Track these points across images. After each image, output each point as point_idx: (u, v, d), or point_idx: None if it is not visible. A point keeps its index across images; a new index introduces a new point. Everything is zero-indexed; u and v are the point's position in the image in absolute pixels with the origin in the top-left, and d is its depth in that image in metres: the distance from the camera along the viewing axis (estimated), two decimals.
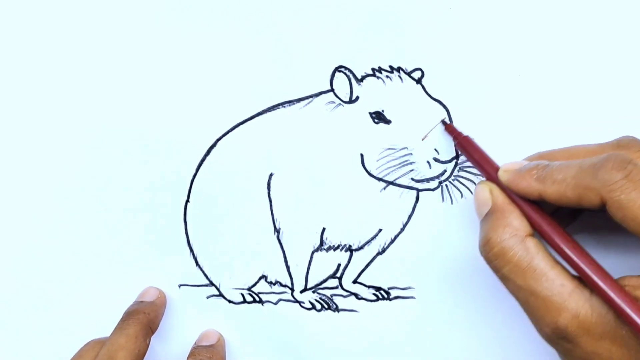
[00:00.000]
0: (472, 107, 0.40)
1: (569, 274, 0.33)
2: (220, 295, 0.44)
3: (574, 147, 0.37)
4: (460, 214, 0.41)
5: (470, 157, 0.38)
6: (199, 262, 0.44)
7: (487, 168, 0.37)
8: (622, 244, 0.39)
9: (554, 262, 0.33)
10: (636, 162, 0.31)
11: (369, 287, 0.43)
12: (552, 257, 0.33)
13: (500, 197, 0.36)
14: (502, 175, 0.36)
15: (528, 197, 0.35)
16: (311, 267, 0.43)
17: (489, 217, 0.35)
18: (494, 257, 0.34)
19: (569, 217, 0.38)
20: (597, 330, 0.32)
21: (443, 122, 0.40)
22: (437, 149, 0.40)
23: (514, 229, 0.34)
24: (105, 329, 0.43)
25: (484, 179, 0.37)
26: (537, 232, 0.35)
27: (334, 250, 0.43)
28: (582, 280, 0.33)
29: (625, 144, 0.34)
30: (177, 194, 0.43)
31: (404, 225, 0.42)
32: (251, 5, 0.41)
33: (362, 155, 0.41)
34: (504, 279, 0.34)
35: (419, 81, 0.40)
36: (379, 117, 0.41)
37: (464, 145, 0.39)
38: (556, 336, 0.32)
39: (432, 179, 0.41)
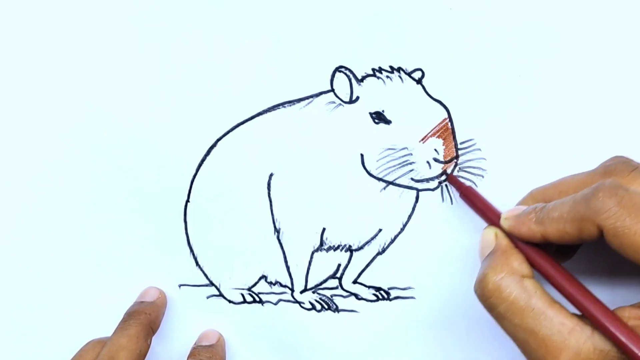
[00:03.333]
0: (472, 108, 0.40)
1: (568, 313, 0.33)
2: (220, 295, 0.44)
3: (563, 180, 0.37)
4: (460, 214, 0.41)
5: (473, 206, 0.39)
6: (199, 262, 0.44)
7: (491, 216, 0.38)
8: (615, 275, 0.39)
9: (552, 300, 0.33)
10: (627, 188, 0.31)
11: (369, 287, 0.43)
12: (550, 297, 0.33)
13: (504, 241, 0.36)
14: (503, 223, 0.36)
15: (532, 240, 0.35)
16: (311, 267, 0.43)
17: (489, 257, 0.35)
18: (489, 294, 0.33)
19: (567, 254, 0.38)
20: None
21: (445, 172, 0.40)
22: (437, 149, 0.40)
23: (512, 269, 0.34)
24: (105, 329, 0.43)
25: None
26: (541, 274, 0.35)
27: (334, 250, 0.43)
28: (582, 318, 0.33)
29: (612, 169, 0.34)
30: (177, 194, 0.43)
31: (404, 225, 0.42)
32: (251, 5, 0.41)
33: (362, 155, 0.41)
34: (500, 318, 0.33)
35: (419, 81, 0.40)
36: (379, 117, 0.41)
37: (467, 195, 0.39)
38: None
39: (432, 179, 0.41)
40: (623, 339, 0.31)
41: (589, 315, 0.32)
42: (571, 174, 0.37)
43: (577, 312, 0.33)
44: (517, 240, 0.36)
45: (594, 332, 0.32)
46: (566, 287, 0.33)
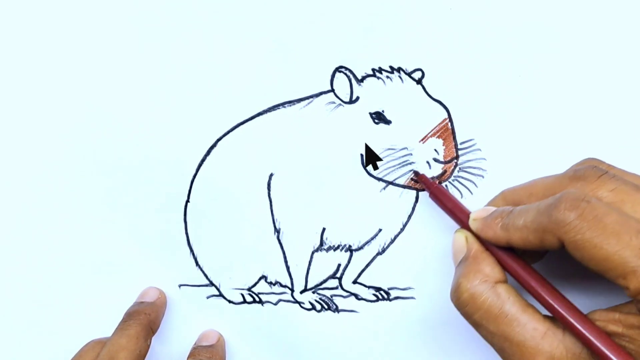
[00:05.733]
0: (472, 108, 0.40)
1: (540, 316, 0.33)
2: (220, 295, 0.44)
3: (533, 182, 0.36)
4: None
5: (443, 206, 0.39)
6: (199, 262, 0.44)
7: (461, 216, 0.38)
8: (588, 279, 0.39)
9: (525, 305, 0.33)
10: (589, 199, 0.31)
11: (369, 287, 0.43)
12: (523, 301, 0.33)
13: (475, 245, 0.36)
14: (472, 225, 0.36)
15: (498, 244, 0.35)
16: (311, 267, 0.43)
17: (461, 264, 0.36)
18: (464, 303, 0.34)
19: (538, 255, 0.38)
20: None
21: (415, 172, 0.40)
22: (437, 149, 0.40)
23: (485, 276, 0.34)
24: (105, 329, 0.43)
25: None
26: (512, 276, 0.35)
27: (334, 250, 0.43)
28: (554, 321, 0.33)
29: (581, 174, 0.34)
30: (177, 194, 0.43)
31: (404, 225, 0.42)
32: (251, 5, 0.41)
33: (362, 156, 0.41)
34: (477, 325, 0.34)
35: (419, 81, 0.40)
36: (379, 117, 0.41)
37: (437, 195, 0.39)
38: None
39: (432, 179, 0.41)
40: (592, 338, 0.31)
41: (560, 317, 0.33)
42: (542, 176, 0.36)
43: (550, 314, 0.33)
44: (486, 242, 0.36)
45: (565, 334, 0.32)
46: (537, 290, 0.34)
